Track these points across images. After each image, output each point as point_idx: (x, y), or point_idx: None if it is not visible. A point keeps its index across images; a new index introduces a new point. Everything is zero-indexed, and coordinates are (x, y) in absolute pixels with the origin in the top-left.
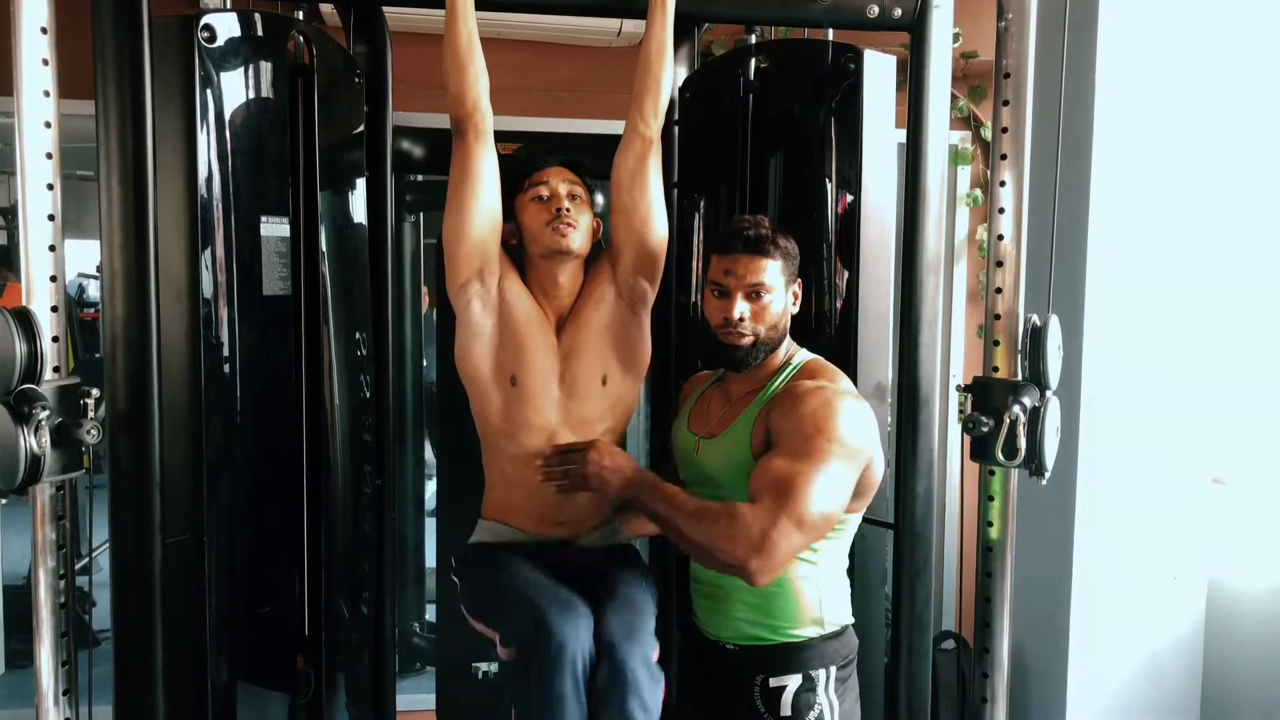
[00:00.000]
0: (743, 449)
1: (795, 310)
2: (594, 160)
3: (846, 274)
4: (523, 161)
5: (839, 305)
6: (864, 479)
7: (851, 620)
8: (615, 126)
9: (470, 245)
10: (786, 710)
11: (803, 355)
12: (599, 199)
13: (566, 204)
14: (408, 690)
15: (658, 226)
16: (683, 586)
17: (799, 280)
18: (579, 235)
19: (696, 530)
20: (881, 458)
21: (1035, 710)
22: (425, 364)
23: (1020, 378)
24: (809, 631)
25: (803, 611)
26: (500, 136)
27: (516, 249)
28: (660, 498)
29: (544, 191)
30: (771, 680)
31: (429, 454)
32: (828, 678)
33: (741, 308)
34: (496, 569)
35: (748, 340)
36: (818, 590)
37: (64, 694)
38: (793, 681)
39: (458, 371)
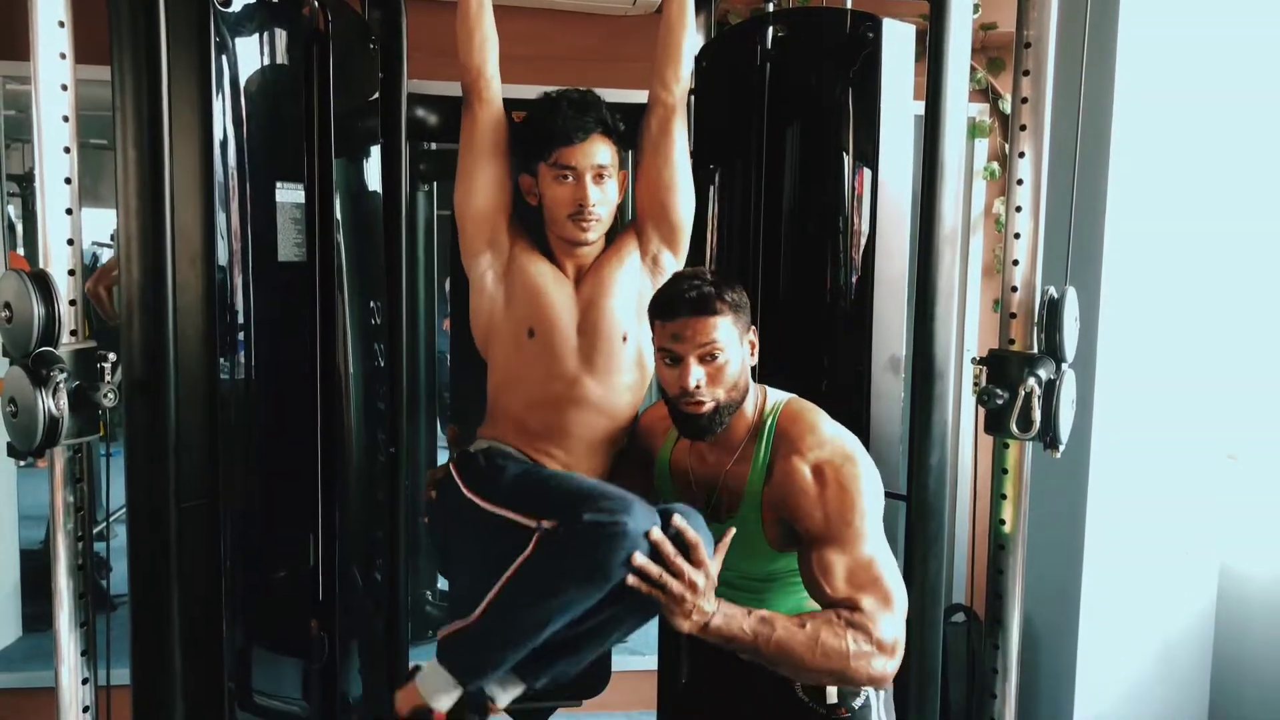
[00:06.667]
0: (756, 539)
1: (754, 361)
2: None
3: (863, 245)
4: (552, 122)
5: (855, 279)
6: None
7: None
8: (632, 96)
9: (480, 215)
10: (832, 698)
11: (774, 401)
12: None
13: (592, 197)
14: (420, 657)
15: (682, 196)
16: None
17: (753, 328)
18: (601, 227)
19: (821, 660)
20: None
21: (1045, 682)
22: (438, 333)
23: (1036, 350)
24: None
25: None
26: (516, 106)
27: (536, 210)
28: (768, 630)
29: (569, 173)
30: None
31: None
32: None
33: (697, 374)
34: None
35: (708, 407)
36: None
37: (82, 654)
38: None
39: (473, 337)
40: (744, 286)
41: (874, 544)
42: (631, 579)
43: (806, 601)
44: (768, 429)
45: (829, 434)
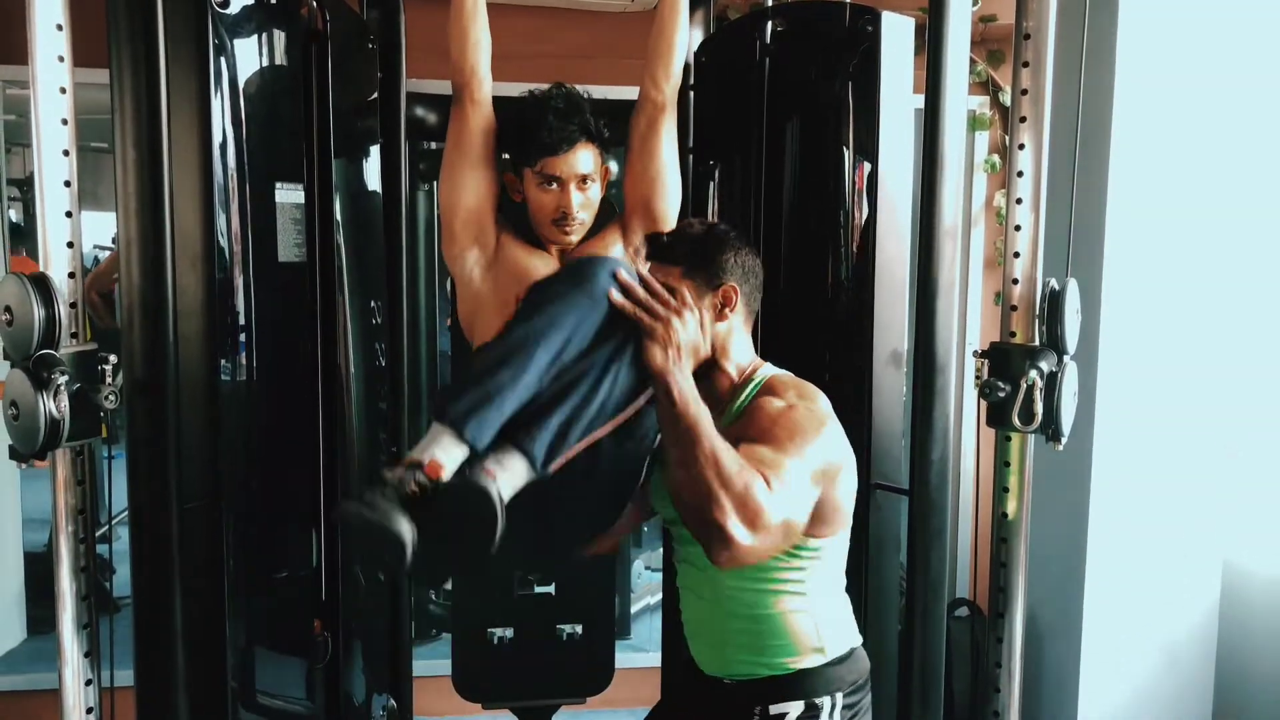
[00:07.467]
0: None
1: (722, 321)
2: (612, 126)
3: (863, 240)
4: (538, 131)
5: (855, 273)
6: (827, 498)
7: (859, 641)
8: (630, 93)
9: (468, 212)
10: None
11: (766, 371)
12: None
13: (575, 204)
14: (423, 656)
15: (667, 193)
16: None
17: (727, 289)
18: (583, 229)
19: (709, 468)
20: (853, 481)
21: (1049, 678)
22: (440, 332)
23: (1038, 343)
24: (810, 661)
25: (799, 643)
26: (511, 105)
27: (521, 203)
28: (700, 415)
29: (553, 182)
30: (772, 708)
31: None
32: (833, 705)
33: None
34: None
35: None
36: (813, 620)
37: (85, 656)
38: (794, 709)
39: (460, 326)
40: (729, 246)
41: (798, 467)
42: (616, 295)
43: (758, 584)
44: (753, 385)
45: (814, 395)
